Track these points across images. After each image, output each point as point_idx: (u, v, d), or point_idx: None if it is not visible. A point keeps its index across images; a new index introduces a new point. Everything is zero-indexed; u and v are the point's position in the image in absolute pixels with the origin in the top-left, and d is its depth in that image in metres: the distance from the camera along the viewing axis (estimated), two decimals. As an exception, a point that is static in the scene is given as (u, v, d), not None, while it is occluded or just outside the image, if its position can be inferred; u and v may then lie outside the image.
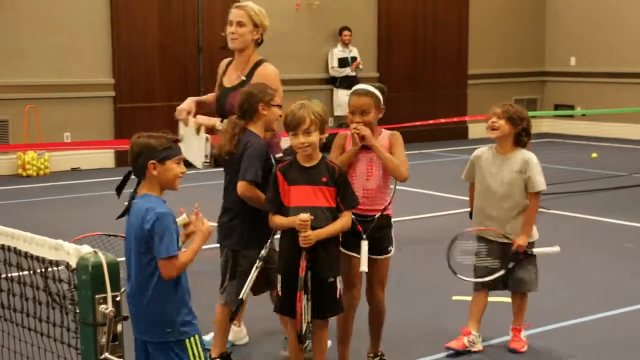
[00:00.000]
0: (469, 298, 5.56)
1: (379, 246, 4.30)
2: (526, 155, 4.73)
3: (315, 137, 3.92)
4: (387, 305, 4.56)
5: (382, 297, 4.44)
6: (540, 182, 4.67)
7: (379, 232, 4.28)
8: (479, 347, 4.80)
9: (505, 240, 4.70)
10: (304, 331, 3.88)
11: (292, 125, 3.91)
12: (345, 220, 3.99)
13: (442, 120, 11.60)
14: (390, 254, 4.38)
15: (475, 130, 15.14)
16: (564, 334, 5.08)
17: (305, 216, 3.81)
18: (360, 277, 4.31)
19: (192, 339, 3.31)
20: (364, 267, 4.18)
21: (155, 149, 3.30)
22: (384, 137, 4.33)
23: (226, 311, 4.33)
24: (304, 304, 3.85)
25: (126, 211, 3.37)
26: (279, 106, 4.37)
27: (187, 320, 3.31)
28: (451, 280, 5.96)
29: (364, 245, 4.17)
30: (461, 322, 5.18)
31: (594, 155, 12.25)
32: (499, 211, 4.70)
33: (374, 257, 4.27)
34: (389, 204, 4.31)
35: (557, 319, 5.29)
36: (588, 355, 4.75)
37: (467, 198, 4.93)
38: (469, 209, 4.94)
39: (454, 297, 5.71)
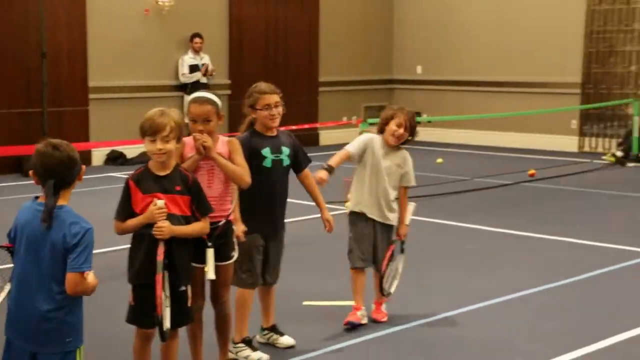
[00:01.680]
0: (320, 303, 5.67)
1: (222, 253, 4.31)
2: (405, 152, 5.39)
3: (172, 145, 3.88)
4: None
5: (228, 303, 4.47)
6: (413, 178, 5.39)
7: (221, 239, 4.28)
8: (365, 320, 5.29)
9: (387, 222, 5.32)
10: (164, 330, 3.79)
11: (152, 132, 3.84)
12: (202, 225, 3.98)
13: (294, 127, 11.65)
14: (233, 260, 4.39)
15: (326, 136, 15.37)
16: (413, 334, 5.21)
17: (161, 202, 3.77)
18: (202, 285, 4.30)
19: (82, 347, 3.32)
20: (211, 274, 4.16)
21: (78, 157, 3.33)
22: (223, 144, 4.35)
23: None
24: (163, 303, 3.76)
25: (50, 221, 3.22)
26: None
27: (82, 328, 3.33)
28: (303, 286, 6.04)
29: (210, 252, 4.16)
30: (311, 327, 5.25)
31: (439, 160, 12.69)
32: (381, 195, 5.27)
33: (218, 263, 4.26)
34: (232, 210, 4.32)
35: (405, 319, 5.42)
36: (437, 355, 4.89)
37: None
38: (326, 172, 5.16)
39: (305, 303, 5.75)
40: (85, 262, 3.19)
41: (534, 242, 7.72)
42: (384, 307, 5.46)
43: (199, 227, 3.97)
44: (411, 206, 5.45)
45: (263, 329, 4.99)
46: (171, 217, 3.83)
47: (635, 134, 13.09)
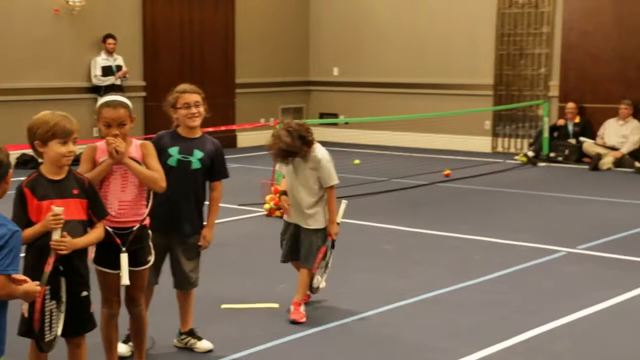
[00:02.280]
0: (239, 306, 5.63)
1: (138, 258, 4.24)
2: (319, 154, 5.42)
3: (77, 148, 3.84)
4: (155, 317, 4.47)
5: (144, 308, 4.41)
6: (330, 179, 5.43)
7: (136, 244, 4.21)
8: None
9: (307, 226, 5.46)
10: (46, 339, 3.65)
11: (64, 134, 3.74)
12: (100, 231, 3.90)
13: (210, 129, 11.54)
14: (149, 264, 4.32)
15: (244, 138, 15.30)
16: (332, 335, 5.22)
17: (59, 209, 3.64)
18: (118, 291, 4.23)
19: (2, 357, 3.23)
20: (125, 280, 4.09)
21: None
22: (136, 148, 4.28)
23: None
24: (49, 308, 3.62)
25: None
26: None
27: (4, 337, 3.24)
28: (222, 289, 5.98)
29: (124, 258, 4.09)
30: (231, 330, 5.20)
31: (357, 161, 12.79)
32: (298, 204, 5.45)
33: (133, 269, 4.18)
34: (147, 215, 4.26)
35: (324, 320, 5.43)
36: (355, 355, 4.91)
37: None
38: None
39: (223, 306, 5.70)
40: (11, 264, 3.12)
41: (449, 241, 7.84)
42: (302, 308, 5.47)
43: (97, 234, 3.88)
44: (343, 204, 5.63)
45: (181, 333, 4.92)
46: (69, 223, 3.72)
47: (546, 135, 13.46)
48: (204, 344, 4.88)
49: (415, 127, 15.18)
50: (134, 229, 4.16)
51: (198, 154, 4.73)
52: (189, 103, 4.72)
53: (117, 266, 4.10)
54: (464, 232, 8.11)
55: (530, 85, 14.38)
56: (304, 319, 5.39)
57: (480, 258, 7.18)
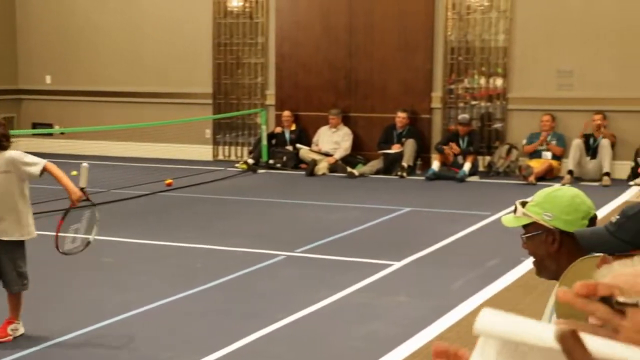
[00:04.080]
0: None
1: None
2: (8, 154, 5.13)
3: None
4: None
5: None
6: (37, 162, 5.12)
7: None
8: (22, 331, 5.17)
9: (7, 238, 5.11)
10: None
11: None
12: None
13: None
14: None
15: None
16: (48, 355, 4.99)
17: None
18: None
19: None
20: None
21: None
22: None
23: None
24: None
25: None
26: None
27: None
28: None
29: None
30: None
31: (74, 173, 12.27)
32: None
33: None
34: None
35: (42, 340, 5.17)
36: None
37: None
38: None
39: None
40: None
41: (171, 251, 7.78)
42: (11, 327, 5.18)
43: None
44: (84, 168, 5.43)
45: None
46: None
47: (264, 142, 13.84)
48: None
49: (135, 137, 14.93)
50: None
51: None
52: None
53: None
54: (187, 240, 8.09)
55: (248, 94, 14.72)
56: (6, 339, 5.11)
57: (202, 266, 7.20)
